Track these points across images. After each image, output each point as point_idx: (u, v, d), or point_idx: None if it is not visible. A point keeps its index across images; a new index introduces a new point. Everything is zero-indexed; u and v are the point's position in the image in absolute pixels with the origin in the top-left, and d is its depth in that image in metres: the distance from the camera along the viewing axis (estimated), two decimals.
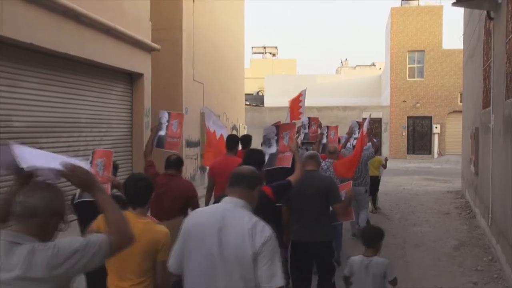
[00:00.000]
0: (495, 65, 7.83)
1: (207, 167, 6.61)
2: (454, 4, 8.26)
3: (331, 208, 4.76)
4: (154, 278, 2.95)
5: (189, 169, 13.86)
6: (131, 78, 10.82)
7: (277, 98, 34.29)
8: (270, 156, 5.04)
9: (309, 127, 7.64)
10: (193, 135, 14.18)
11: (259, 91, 41.13)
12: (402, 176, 18.43)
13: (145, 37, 10.75)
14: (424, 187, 15.34)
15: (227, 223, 2.47)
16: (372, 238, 4.10)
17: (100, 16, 8.80)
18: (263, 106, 34.73)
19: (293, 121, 7.23)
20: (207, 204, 6.00)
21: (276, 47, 56.32)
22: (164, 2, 13.06)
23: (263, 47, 55.60)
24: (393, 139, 28.98)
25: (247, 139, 7.18)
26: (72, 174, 2.08)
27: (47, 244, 1.95)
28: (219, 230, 2.45)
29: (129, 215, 2.80)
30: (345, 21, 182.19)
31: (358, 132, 7.63)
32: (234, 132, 18.47)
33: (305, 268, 4.56)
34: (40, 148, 7.99)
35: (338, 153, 7.04)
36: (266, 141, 5.28)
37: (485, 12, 8.67)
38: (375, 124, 27.85)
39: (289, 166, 4.79)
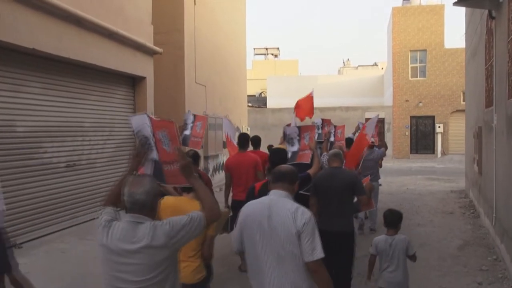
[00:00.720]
0: (497, 64, 7.82)
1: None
2: (455, 3, 8.25)
3: (355, 199, 5.29)
4: (202, 250, 3.63)
5: None
6: (134, 82, 10.86)
7: (279, 99, 34.32)
8: (292, 154, 5.82)
9: (322, 128, 8.05)
10: None
11: (262, 92, 41.15)
12: (406, 176, 18.41)
13: (147, 40, 10.79)
14: (428, 187, 15.31)
15: (274, 210, 3.01)
16: (393, 220, 4.76)
17: (102, 21, 8.84)
18: (266, 107, 34.74)
19: (306, 117, 8.01)
20: (226, 199, 6.73)
21: (278, 48, 56.42)
22: (166, 5, 13.10)
23: (265, 48, 55.67)
24: (396, 139, 28.93)
25: (257, 140, 7.77)
26: (183, 159, 2.89)
27: (163, 221, 2.59)
28: (268, 216, 3.00)
29: (184, 199, 3.59)
30: (347, 21, 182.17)
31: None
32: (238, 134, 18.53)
33: (327, 256, 4.84)
34: (45, 152, 8.05)
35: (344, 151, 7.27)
36: (289, 140, 6.11)
37: (486, 11, 8.66)
38: (378, 124, 27.78)
39: (309, 162, 5.56)
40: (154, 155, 3.58)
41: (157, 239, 2.51)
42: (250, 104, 32.02)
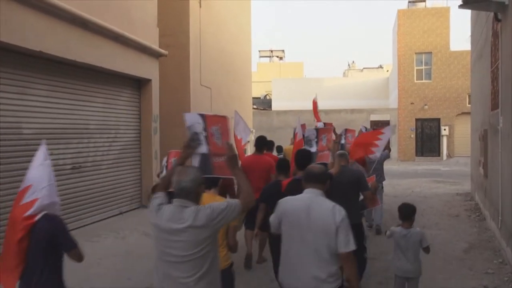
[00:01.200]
0: (503, 66, 7.79)
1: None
2: (460, 6, 8.22)
3: (361, 197, 5.80)
4: (227, 240, 3.97)
5: None
6: (139, 84, 10.90)
7: (284, 102, 34.32)
8: (312, 154, 6.08)
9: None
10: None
11: (267, 94, 41.16)
12: (411, 179, 18.35)
13: (153, 43, 10.84)
14: (433, 190, 15.25)
15: (313, 206, 3.39)
16: (408, 213, 5.04)
17: (108, 23, 8.89)
18: (271, 109, 34.74)
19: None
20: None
21: (283, 51, 56.37)
22: (171, 8, 13.15)
23: (270, 50, 55.64)
24: (401, 141, 28.86)
25: (270, 144, 8.35)
26: (230, 152, 3.33)
27: (205, 206, 3.01)
28: (307, 212, 3.37)
29: (206, 195, 3.66)
30: (352, 23, 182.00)
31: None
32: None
33: None
34: (50, 154, 8.06)
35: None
36: (308, 142, 6.72)
37: (492, 13, 8.63)
38: (384, 127, 27.70)
39: (328, 161, 5.99)
40: (203, 149, 4.24)
41: (199, 220, 2.92)
42: (255, 106, 32.03)
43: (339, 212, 3.35)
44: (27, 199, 3.28)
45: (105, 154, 9.57)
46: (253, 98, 31.21)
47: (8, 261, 3.24)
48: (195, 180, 3.06)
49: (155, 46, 10.94)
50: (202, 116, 4.47)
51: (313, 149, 6.65)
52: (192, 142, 3.82)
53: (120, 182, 10.06)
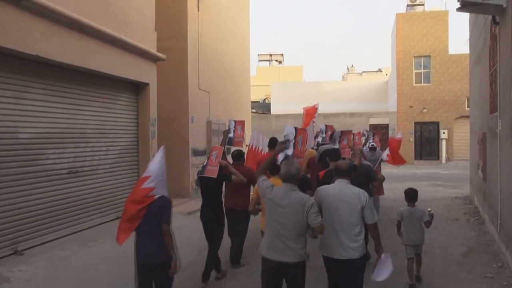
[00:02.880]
0: (501, 70, 7.77)
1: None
2: (458, 9, 8.19)
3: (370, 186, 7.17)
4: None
5: (195, 178, 13.80)
6: (137, 88, 10.87)
7: (283, 106, 34.30)
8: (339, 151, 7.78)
9: (326, 133, 9.91)
10: (199, 144, 14.17)
11: (266, 98, 41.15)
12: (410, 182, 18.25)
13: (151, 47, 10.81)
14: (433, 193, 15.22)
15: (343, 192, 4.59)
16: (412, 195, 6.58)
17: (106, 27, 8.87)
18: (270, 113, 34.72)
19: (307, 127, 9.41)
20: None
21: (282, 55, 56.36)
22: (169, 12, 13.14)
23: (269, 54, 55.65)
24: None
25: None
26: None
27: (311, 198, 4.40)
28: (338, 197, 4.56)
29: (273, 179, 5.42)
30: (351, 27, 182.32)
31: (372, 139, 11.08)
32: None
33: None
34: (47, 158, 8.05)
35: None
36: (333, 140, 8.96)
37: (490, 17, 8.62)
38: (382, 130, 27.72)
39: (350, 156, 8.15)
40: (290, 151, 6.50)
41: (301, 204, 4.24)
42: (254, 110, 32.01)
43: (363, 194, 4.56)
44: (147, 185, 4.54)
45: (103, 158, 9.53)
46: (252, 102, 31.13)
47: (126, 223, 4.53)
48: (297, 169, 4.46)
49: (152, 50, 10.91)
50: (295, 128, 6.86)
51: (336, 146, 8.54)
52: (284, 144, 5.29)
53: (117, 186, 10.00)
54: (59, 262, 7.01)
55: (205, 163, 6.52)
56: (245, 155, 8.20)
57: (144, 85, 10.87)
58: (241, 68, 19.29)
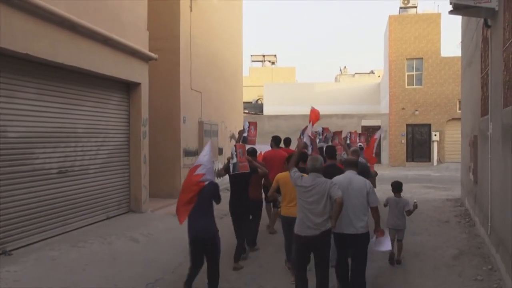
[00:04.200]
0: (493, 73, 7.80)
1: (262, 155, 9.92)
2: (451, 12, 8.21)
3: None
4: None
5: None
6: (129, 88, 10.81)
7: (276, 107, 34.31)
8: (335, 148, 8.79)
9: (322, 135, 10.87)
10: (191, 144, 14.12)
11: (258, 99, 41.13)
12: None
13: (143, 46, 10.75)
14: (424, 195, 15.25)
15: (353, 180, 5.75)
16: (398, 187, 7.71)
17: (98, 26, 8.80)
18: (262, 114, 34.69)
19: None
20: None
21: (275, 55, 56.38)
22: (162, 12, 13.08)
23: (262, 55, 55.65)
24: (392, 146, 28.93)
25: (288, 141, 10.77)
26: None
27: (332, 181, 5.49)
28: (349, 184, 5.68)
29: (285, 174, 6.47)
30: (344, 29, 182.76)
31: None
32: (233, 141, 18.60)
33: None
34: (37, 158, 7.97)
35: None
36: (326, 140, 10.43)
37: (482, 20, 8.65)
38: (374, 132, 27.77)
39: (341, 153, 9.68)
40: (309, 151, 8.02)
41: (325, 185, 5.41)
42: (246, 111, 31.95)
43: (368, 183, 5.76)
44: (199, 171, 5.70)
45: (93, 158, 9.45)
46: (245, 102, 31.04)
47: (183, 206, 5.58)
48: (321, 163, 5.61)
49: (145, 49, 10.84)
50: (309, 136, 8.52)
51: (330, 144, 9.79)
52: (305, 146, 7.57)
53: (108, 187, 9.93)
54: (48, 262, 6.93)
55: (234, 161, 7.22)
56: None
57: (136, 85, 10.81)
58: (234, 68, 19.25)
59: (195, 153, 14.30)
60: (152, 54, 11.08)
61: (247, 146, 8.32)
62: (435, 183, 19.16)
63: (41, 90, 8.00)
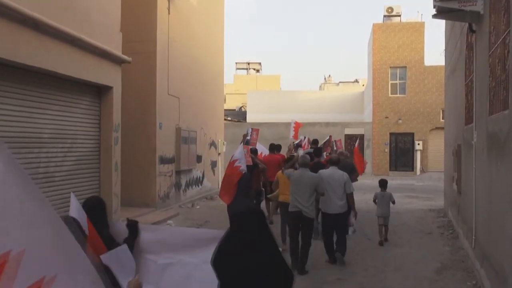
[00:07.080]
0: (478, 79, 7.51)
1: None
2: (434, 16, 7.94)
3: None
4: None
5: (162, 187, 13.26)
6: (100, 91, 10.29)
7: (259, 114, 33.92)
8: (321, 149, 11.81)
9: (306, 139, 13.51)
10: (168, 151, 13.62)
11: (242, 106, 40.73)
12: None
13: (115, 48, 10.25)
14: (406, 205, 14.94)
15: (334, 173, 7.89)
16: (384, 184, 9.67)
17: (65, 26, 8.30)
18: (245, 122, 34.29)
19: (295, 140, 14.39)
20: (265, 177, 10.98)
21: (260, 63, 56.26)
22: (138, 13, 12.66)
23: (247, 63, 55.43)
24: (375, 155, 28.71)
25: (278, 147, 12.06)
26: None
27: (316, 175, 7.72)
28: (332, 176, 7.82)
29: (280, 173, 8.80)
30: (329, 37, 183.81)
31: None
32: (213, 148, 18.26)
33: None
34: None
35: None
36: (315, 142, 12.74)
37: (466, 25, 8.39)
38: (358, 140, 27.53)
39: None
40: (300, 152, 10.72)
41: (310, 177, 7.43)
42: (229, 118, 31.53)
43: (345, 175, 7.82)
44: (236, 164, 8.33)
45: (59, 165, 8.91)
46: (228, 110, 30.63)
47: (228, 191, 8.28)
48: (308, 160, 7.71)
49: (117, 51, 10.34)
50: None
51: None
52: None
53: (76, 195, 9.37)
54: None
55: (248, 138, 11.63)
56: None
57: (108, 88, 10.29)
58: (215, 73, 18.78)
59: (172, 161, 13.80)
60: (125, 57, 10.58)
61: (250, 147, 10.65)
62: (418, 192, 18.89)
63: (1, 92, 7.47)
